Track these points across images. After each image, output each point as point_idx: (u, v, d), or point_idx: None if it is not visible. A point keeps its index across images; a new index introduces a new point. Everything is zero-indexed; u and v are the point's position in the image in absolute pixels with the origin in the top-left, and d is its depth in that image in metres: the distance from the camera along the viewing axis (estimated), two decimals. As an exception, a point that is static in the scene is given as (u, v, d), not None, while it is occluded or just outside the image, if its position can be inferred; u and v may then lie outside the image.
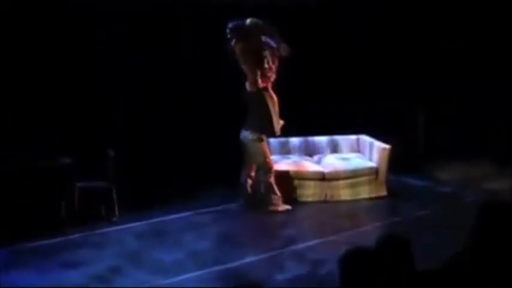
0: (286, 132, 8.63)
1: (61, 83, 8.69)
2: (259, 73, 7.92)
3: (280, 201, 8.09)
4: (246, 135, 8.09)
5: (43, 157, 7.45)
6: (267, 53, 7.94)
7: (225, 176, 8.88)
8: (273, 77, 8.06)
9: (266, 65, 7.93)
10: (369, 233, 6.74)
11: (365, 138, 9.31)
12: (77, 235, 7.17)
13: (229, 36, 7.91)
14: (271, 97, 8.02)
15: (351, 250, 3.21)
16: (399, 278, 3.26)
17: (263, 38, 7.94)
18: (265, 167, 8.07)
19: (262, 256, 6.52)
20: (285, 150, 9.17)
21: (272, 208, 8.04)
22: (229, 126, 9.25)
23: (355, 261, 3.17)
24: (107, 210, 7.70)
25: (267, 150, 8.19)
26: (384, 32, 10.20)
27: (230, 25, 7.90)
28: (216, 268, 6.20)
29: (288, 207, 8.11)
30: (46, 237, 6.96)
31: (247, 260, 6.43)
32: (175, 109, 9.42)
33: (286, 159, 8.89)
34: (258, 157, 8.08)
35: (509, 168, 9.19)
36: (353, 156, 9.18)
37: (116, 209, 7.63)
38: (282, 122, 8.17)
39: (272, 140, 8.98)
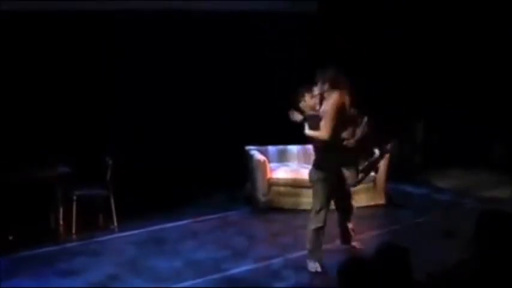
0: (285, 140, 8.62)
1: (58, 90, 8.70)
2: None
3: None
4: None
5: (41, 165, 7.44)
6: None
7: (223, 183, 8.88)
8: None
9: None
10: (367, 241, 6.72)
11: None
12: (75, 243, 7.16)
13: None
14: None
15: (350, 258, 3.22)
16: (397, 287, 3.26)
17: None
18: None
19: (260, 264, 6.51)
20: (284, 158, 9.17)
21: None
22: (229, 132, 9.27)
23: (353, 269, 3.17)
24: (105, 218, 7.70)
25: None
26: (381, 38, 10.21)
27: None
28: (215, 276, 6.18)
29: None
30: (44, 245, 6.95)
31: (246, 268, 6.42)
32: (174, 115, 9.40)
33: (285, 167, 8.88)
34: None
35: (508, 176, 9.20)
36: (351, 164, 9.16)
37: (114, 217, 7.62)
38: None
39: (271, 148, 8.98)
